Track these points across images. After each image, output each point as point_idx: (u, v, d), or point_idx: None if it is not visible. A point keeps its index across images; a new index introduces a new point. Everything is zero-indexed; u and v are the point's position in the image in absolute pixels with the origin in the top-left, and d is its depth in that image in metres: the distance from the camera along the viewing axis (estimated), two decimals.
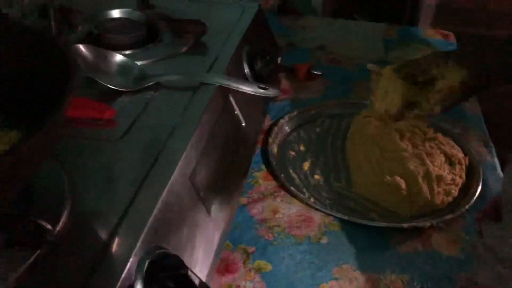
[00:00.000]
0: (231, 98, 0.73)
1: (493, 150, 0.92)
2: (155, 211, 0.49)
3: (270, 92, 0.70)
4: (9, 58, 0.48)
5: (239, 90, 0.69)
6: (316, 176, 0.84)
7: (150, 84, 0.69)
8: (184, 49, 0.81)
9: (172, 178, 0.53)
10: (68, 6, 0.81)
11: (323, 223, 0.75)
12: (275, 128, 0.92)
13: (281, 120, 0.94)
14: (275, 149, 0.88)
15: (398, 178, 0.77)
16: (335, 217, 0.75)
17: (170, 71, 0.73)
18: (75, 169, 0.53)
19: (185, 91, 0.69)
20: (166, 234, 0.50)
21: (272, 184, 0.82)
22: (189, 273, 0.45)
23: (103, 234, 0.46)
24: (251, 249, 0.70)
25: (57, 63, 0.45)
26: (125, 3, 0.91)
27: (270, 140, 0.89)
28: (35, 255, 0.43)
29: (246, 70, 0.81)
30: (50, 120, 0.37)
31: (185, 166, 0.56)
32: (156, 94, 0.68)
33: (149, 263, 0.45)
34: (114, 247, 0.45)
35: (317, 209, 0.76)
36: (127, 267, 0.43)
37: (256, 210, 0.77)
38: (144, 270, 0.44)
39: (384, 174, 0.79)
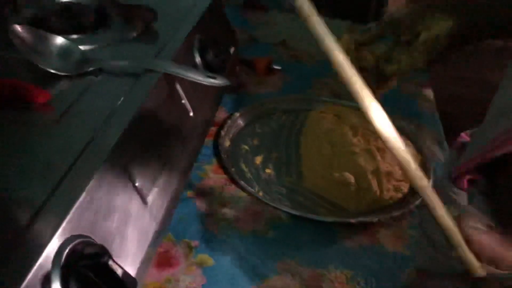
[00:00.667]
0: (178, 87, 0.71)
1: (447, 148, 0.92)
2: (80, 198, 0.46)
3: (219, 81, 0.67)
4: None
5: (186, 78, 0.67)
6: (268, 170, 0.82)
7: (91, 69, 0.66)
8: (133, 35, 0.78)
9: (102, 166, 0.50)
10: None
11: (271, 218, 0.73)
12: (229, 121, 0.90)
13: (236, 114, 0.92)
14: (227, 142, 0.87)
15: (347, 174, 0.76)
16: (282, 211, 0.74)
17: (116, 57, 0.70)
18: None
19: (128, 77, 0.66)
20: (93, 223, 0.47)
21: (222, 177, 0.80)
22: (111, 262, 0.43)
23: (21, 220, 0.43)
24: (194, 242, 0.68)
25: None
26: None
27: (223, 133, 0.87)
28: None
29: (198, 59, 0.78)
30: None
31: (118, 154, 0.53)
32: (98, 80, 0.65)
33: (69, 251, 0.42)
34: (31, 234, 0.42)
35: (265, 203, 0.75)
36: (43, 255, 0.41)
37: (203, 204, 0.75)
38: (63, 259, 0.42)
39: (334, 169, 0.78)
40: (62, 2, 0.84)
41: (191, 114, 0.74)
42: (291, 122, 0.95)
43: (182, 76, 0.67)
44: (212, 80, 0.68)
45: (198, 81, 0.67)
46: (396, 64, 0.63)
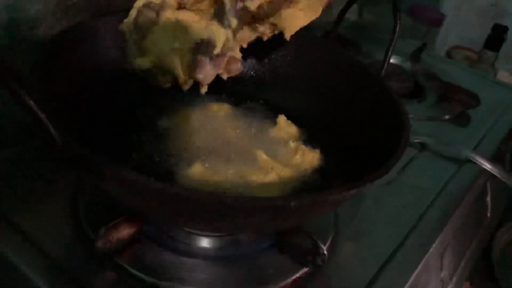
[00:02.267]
0: (488, 185, 0.69)
1: None
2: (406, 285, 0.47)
3: None
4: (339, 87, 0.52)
5: (502, 180, 0.65)
6: None
7: (415, 141, 0.68)
8: (447, 116, 0.79)
9: (427, 254, 0.51)
10: None
11: None
12: (503, 229, 0.84)
13: None
14: (498, 248, 0.81)
15: None
16: None
17: (434, 134, 0.71)
18: None
19: (449, 163, 0.66)
20: None
21: (487, 284, 0.76)
22: None
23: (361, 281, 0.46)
24: None
25: (383, 102, 0.47)
26: (400, 51, 0.92)
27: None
28: (302, 271, 0.45)
29: (508, 159, 0.75)
30: (378, 174, 0.37)
31: (439, 243, 0.54)
32: (420, 154, 0.67)
33: None
34: None
35: None
36: None
37: None
38: None
39: None
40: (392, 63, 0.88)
41: (489, 214, 0.71)
42: None
43: (502, 179, 0.65)
44: None
45: None
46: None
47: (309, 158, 0.48)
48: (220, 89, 0.56)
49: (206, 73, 0.46)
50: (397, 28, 0.51)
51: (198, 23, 0.44)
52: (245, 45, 0.49)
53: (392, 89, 0.48)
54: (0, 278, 0.44)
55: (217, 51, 0.44)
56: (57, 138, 0.32)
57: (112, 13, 0.51)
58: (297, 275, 0.45)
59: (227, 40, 0.44)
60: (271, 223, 0.36)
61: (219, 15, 0.44)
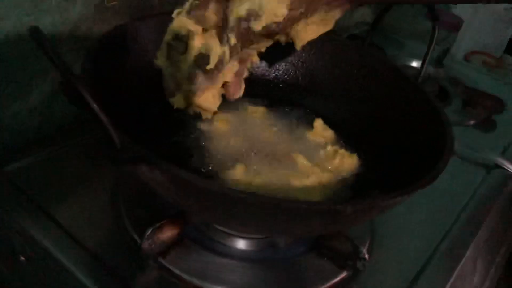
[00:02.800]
0: None
1: None
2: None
3: None
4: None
5: None
6: None
7: None
8: (472, 121, 0.79)
9: (463, 259, 0.52)
10: None
11: None
12: None
13: None
14: None
15: None
16: None
17: (461, 139, 0.71)
18: None
19: (478, 168, 0.67)
20: None
21: None
22: None
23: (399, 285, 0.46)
24: None
25: (423, 108, 0.47)
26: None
27: None
28: (341, 276, 0.45)
29: None
30: (428, 181, 0.38)
31: (473, 248, 0.54)
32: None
33: None
34: None
35: None
36: None
37: None
38: None
39: None
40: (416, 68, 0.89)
41: None
42: None
43: None
44: None
45: None
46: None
47: (347, 162, 0.49)
48: (255, 92, 0.57)
49: (205, 97, 0.46)
50: (435, 36, 0.51)
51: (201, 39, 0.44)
52: (262, 50, 0.49)
53: (431, 95, 0.48)
54: (46, 274, 0.45)
55: (210, 65, 0.43)
56: (117, 140, 0.32)
57: (151, 16, 0.52)
58: (337, 279, 0.45)
59: (224, 55, 0.43)
60: (322, 227, 0.36)
61: (221, 31, 0.44)
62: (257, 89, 0.58)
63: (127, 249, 0.44)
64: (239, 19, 0.41)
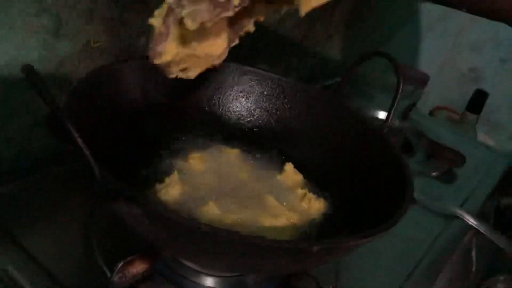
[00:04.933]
0: (474, 240, 0.73)
1: None
2: None
3: None
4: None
5: (488, 237, 0.68)
6: None
7: None
8: (434, 173, 0.83)
9: None
10: None
11: None
12: (486, 283, 0.87)
13: (494, 277, 0.89)
14: None
15: None
16: None
17: (423, 190, 0.75)
18: None
19: (438, 217, 0.70)
20: None
21: None
22: None
23: None
24: None
25: (387, 157, 0.51)
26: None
27: None
28: None
29: (492, 220, 0.79)
30: (391, 224, 0.40)
31: None
32: (411, 208, 0.70)
33: None
34: None
35: None
36: None
37: None
38: None
39: None
40: (380, 120, 0.93)
41: (473, 269, 0.74)
42: None
43: (490, 237, 0.69)
44: None
45: (503, 247, 0.68)
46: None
47: (315, 205, 0.51)
48: (230, 135, 0.60)
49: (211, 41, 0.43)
50: (399, 90, 0.55)
51: None
52: (262, 19, 0.46)
53: (395, 146, 0.52)
54: None
55: None
56: (97, 173, 0.34)
57: (135, 59, 0.54)
58: None
59: None
60: (289, 266, 0.38)
61: None
62: (232, 133, 0.60)
63: (97, 282, 0.45)
64: None
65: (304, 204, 0.51)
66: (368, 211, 0.49)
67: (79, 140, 0.33)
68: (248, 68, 0.60)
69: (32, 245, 0.47)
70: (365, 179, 0.52)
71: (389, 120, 0.55)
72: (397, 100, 0.55)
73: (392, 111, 0.55)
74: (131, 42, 0.59)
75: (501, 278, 0.88)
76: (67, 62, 0.54)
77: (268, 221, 0.47)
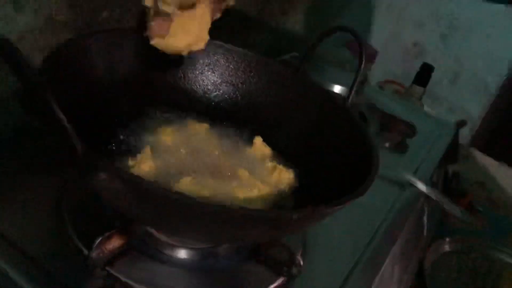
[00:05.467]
0: (425, 205, 0.78)
1: None
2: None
3: (466, 218, 0.73)
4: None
5: (441, 204, 0.73)
6: None
7: None
8: (387, 144, 0.87)
9: (384, 265, 0.58)
10: None
11: None
12: (434, 244, 0.94)
13: (441, 239, 0.96)
14: (428, 263, 0.90)
15: None
16: None
17: None
18: None
19: (394, 186, 0.74)
20: None
21: None
22: None
23: None
24: None
25: (351, 129, 0.53)
26: (345, 82, 1.00)
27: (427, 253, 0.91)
28: (278, 282, 0.49)
29: (440, 187, 0.85)
30: (360, 192, 0.43)
31: (392, 256, 0.61)
32: None
33: None
34: None
35: None
36: None
37: None
38: None
39: None
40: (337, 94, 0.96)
41: (425, 232, 0.79)
42: (487, 269, 0.95)
43: (440, 203, 0.74)
44: (463, 217, 0.73)
45: (451, 213, 0.73)
46: None
47: (285, 177, 0.53)
48: (198, 109, 0.60)
49: None
50: (362, 65, 0.57)
51: None
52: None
53: (358, 118, 0.54)
54: None
55: None
56: (79, 148, 0.34)
57: (100, 32, 0.53)
58: (274, 285, 0.48)
59: None
60: (268, 234, 0.40)
61: None
62: (200, 107, 0.61)
63: (71, 258, 0.45)
64: None
65: (275, 176, 0.53)
66: (335, 182, 0.51)
67: (61, 116, 0.32)
68: (214, 41, 0.60)
69: (3, 224, 0.46)
70: (331, 152, 0.54)
71: (350, 97, 0.57)
72: (359, 77, 0.57)
73: (354, 87, 0.57)
74: (93, 16, 0.58)
75: (447, 239, 0.95)
76: (27, 35, 0.52)
77: (242, 193, 0.48)
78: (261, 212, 0.35)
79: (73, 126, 0.33)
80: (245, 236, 0.40)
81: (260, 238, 0.45)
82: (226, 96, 0.62)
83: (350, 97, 0.57)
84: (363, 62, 0.57)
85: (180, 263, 0.48)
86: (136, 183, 0.34)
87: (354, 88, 0.58)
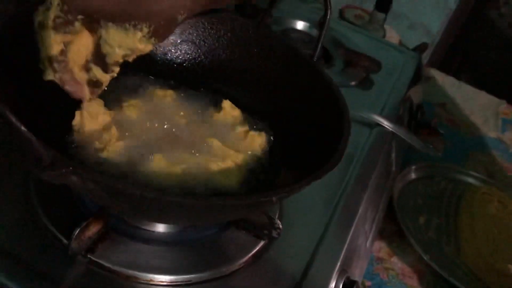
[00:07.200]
0: (393, 143, 0.79)
1: None
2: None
3: (432, 152, 0.75)
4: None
5: (407, 141, 0.75)
6: (430, 233, 0.89)
7: None
8: (353, 82, 0.87)
9: (359, 211, 0.59)
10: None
11: (433, 281, 0.80)
12: (400, 174, 0.97)
13: (407, 168, 0.99)
14: (397, 193, 0.94)
15: (510, 267, 0.82)
16: (445, 279, 0.80)
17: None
18: None
19: (363, 127, 0.75)
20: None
21: (390, 227, 0.88)
22: None
23: (306, 251, 0.53)
24: (367, 282, 0.76)
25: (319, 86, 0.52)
26: (306, 17, 0.98)
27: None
28: (260, 245, 0.50)
29: (406, 120, 0.86)
30: (334, 163, 0.43)
31: (366, 200, 0.63)
32: None
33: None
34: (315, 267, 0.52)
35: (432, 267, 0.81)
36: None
37: (374, 247, 0.83)
38: None
39: (497, 257, 0.84)
40: (296, 30, 0.93)
41: (393, 168, 0.82)
42: (450, 191, 1.01)
43: (406, 139, 0.75)
44: (428, 150, 0.76)
45: (416, 146, 0.75)
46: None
47: (258, 141, 0.52)
48: (159, 71, 0.57)
49: None
50: (328, 17, 0.55)
51: None
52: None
53: (326, 72, 0.53)
54: None
55: None
56: (46, 157, 0.32)
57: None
58: (256, 248, 0.50)
59: None
60: (249, 213, 0.40)
61: None
62: (161, 70, 0.58)
63: (50, 248, 0.44)
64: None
65: (247, 142, 0.52)
66: (306, 141, 0.51)
67: (22, 129, 0.30)
68: None
69: None
70: (301, 112, 0.54)
71: (317, 53, 0.55)
72: (324, 30, 0.55)
73: (321, 39, 0.56)
74: None
75: (413, 167, 0.98)
76: None
77: (216, 165, 0.48)
78: (243, 199, 0.35)
79: (38, 139, 0.31)
80: (225, 218, 0.40)
81: (241, 216, 0.45)
82: (188, 56, 0.60)
83: (317, 53, 0.56)
84: (329, 14, 0.55)
85: (161, 238, 0.48)
86: (109, 186, 0.33)
87: (321, 41, 0.56)
